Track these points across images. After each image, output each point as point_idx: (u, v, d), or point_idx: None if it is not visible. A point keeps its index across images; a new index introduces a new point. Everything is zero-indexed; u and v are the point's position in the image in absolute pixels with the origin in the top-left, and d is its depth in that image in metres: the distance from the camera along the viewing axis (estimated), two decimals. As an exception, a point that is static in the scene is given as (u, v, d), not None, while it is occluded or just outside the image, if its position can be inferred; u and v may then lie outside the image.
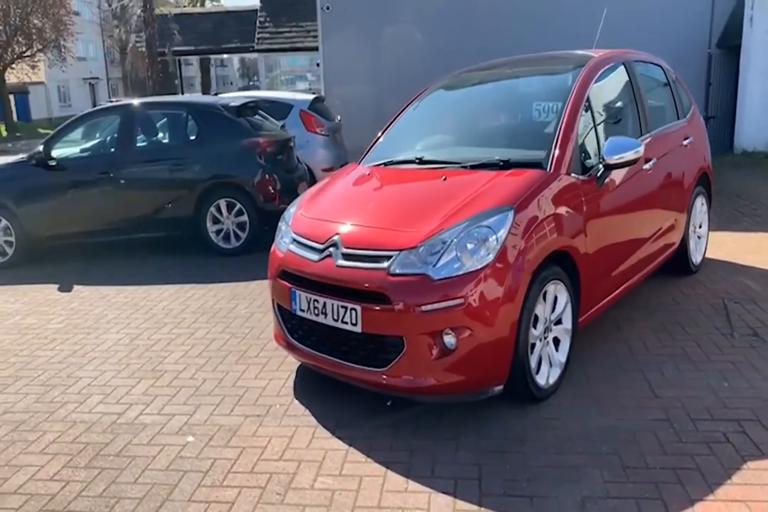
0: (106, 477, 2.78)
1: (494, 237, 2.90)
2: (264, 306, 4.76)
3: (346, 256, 3.06)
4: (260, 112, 6.81)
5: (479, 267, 2.85)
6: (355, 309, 2.92)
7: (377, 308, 2.88)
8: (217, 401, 3.41)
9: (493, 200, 3.08)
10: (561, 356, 3.31)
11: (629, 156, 3.43)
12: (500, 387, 3.00)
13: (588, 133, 3.61)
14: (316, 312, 3.08)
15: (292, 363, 3.78)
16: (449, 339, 2.84)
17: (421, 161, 3.71)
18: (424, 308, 2.82)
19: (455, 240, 2.90)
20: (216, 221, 6.23)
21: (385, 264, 2.93)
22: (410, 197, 3.45)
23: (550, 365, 3.24)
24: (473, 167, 3.45)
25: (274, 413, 3.25)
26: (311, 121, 8.10)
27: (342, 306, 2.97)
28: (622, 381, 3.40)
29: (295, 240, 3.38)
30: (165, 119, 6.85)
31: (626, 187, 3.76)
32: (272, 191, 6.21)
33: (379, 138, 4.26)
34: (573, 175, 3.38)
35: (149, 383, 3.66)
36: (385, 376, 2.94)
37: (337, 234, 3.15)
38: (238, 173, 6.21)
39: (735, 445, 2.78)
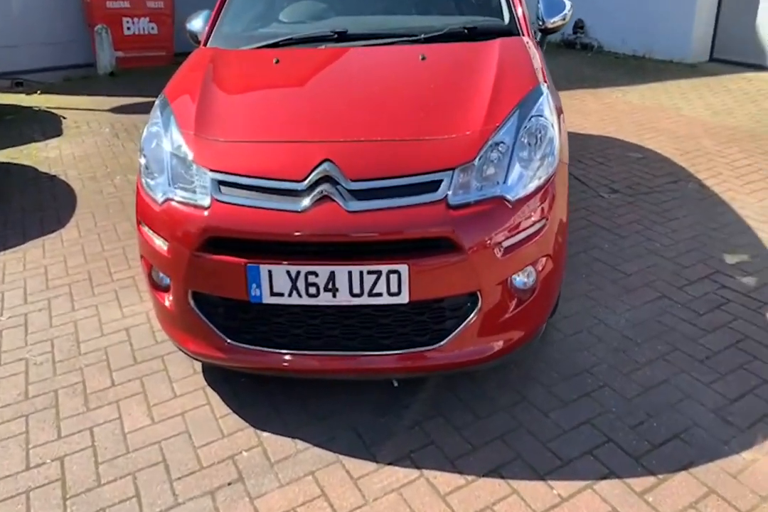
0: None
1: (550, 126, 2.08)
2: (27, 305, 2.89)
3: (360, 194, 1.83)
4: None
5: (551, 171, 2.01)
6: (396, 272, 1.77)
7: (438, 261, 1.80)
8: (129, 491, 1.89)
9: (518, 78, 2.25)
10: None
11: (559, 21, 2.95)
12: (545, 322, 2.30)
13: None
14: (314, 291, 1.80)
15: (183, 378, 2.36)
16: (527, 278, 1.97)
17: (342, 37, 2.56)
18: (506, 244, 1.87)
19: (515, 140, 1.97)
20: None
21: (438, 195, 1.82)
22: (398, 88, 2.28)
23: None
24: (428, 40, 2.53)
25: (252, 470, 1.95)
26: None
27: (370, 272, 1.77)
28: (579, 266, 3.04)
29: (226, 182, 1.90)
30: None
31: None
32: None
33: (219, 12, 2.88)
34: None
35: (-54, 515, 1.85)
36: (444, 354, 1.94)
37: (327, 160, 1.84)
38: None
39: (743, 295, 2.71)
